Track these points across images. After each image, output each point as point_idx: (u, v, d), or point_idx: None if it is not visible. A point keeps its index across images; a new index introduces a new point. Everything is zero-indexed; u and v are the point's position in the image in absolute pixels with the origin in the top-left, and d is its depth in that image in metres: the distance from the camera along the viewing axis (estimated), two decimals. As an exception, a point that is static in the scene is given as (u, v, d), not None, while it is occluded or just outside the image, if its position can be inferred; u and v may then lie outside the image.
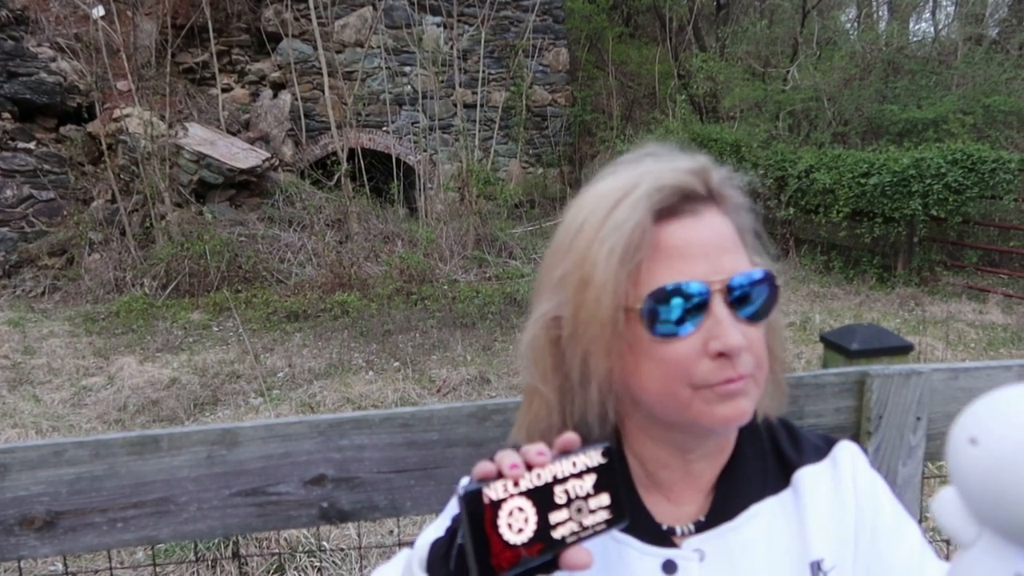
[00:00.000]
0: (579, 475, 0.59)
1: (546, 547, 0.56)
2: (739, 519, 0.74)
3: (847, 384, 1.14)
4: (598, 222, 0.69)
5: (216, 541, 2.94)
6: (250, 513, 1.06)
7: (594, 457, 0.60)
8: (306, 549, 2.94)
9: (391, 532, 3.22)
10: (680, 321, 0.67)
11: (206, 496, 1.05)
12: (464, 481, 0.77)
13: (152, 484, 1.03)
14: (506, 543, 0.55)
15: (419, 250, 9.57)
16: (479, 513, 0.54)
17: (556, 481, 0.58)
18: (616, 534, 0.73)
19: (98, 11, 9.97)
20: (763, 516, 0.75)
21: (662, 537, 0.74)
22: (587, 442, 0.62)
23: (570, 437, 0.61)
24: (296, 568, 2.87)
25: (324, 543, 3.04)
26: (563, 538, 0.57)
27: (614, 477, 0.61)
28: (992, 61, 12.88)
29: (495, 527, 0.55)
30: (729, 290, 0.67)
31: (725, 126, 12.40)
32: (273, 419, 1.06)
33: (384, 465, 1.08)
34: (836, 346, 1.25)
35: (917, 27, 17.77)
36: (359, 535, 3.13)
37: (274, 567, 2.89)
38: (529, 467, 0.58)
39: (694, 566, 0.72)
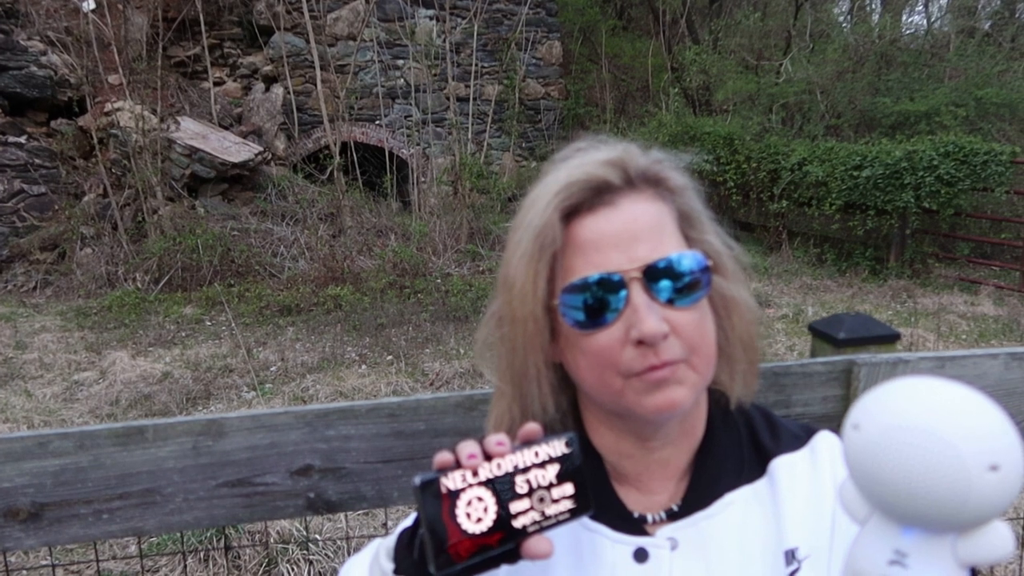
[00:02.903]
0: (542, 465, 0.59)
1: (506, 536, 0.56)
2: (713, 507, 0.74)
3: (834, 373, 1.14)
4: (520, 224, 0.71)
5: (208, 534, 2.94)
6: (237, 504, 1.06)
7: (557, 447, 0.60)
8: (298, 541, 2.94)
9: (383, 525, 3.22)
10: (598, 312, 0.67)
11: (192, 487, 1.05)
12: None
13: (137, 475, 1.03)
14: (465, 532, 0.55)
15: (412, 244, 9.56)
16: (436, 503, 0.54)
17: (517, 471, 0.58)
18: (587, 522, 0.73)
19: (88, 4, 9.90)
20: (738, 504, 0.74)
21: (634, 525, 0.74)
22: (551, 433, 0.62)
23: (531, 427, 0.61)
24: (288, 560, 2.87)
25: (316, 535, 3.04)
26: (524, 527, 0.57)
27: (578, 467, 0.61)
28: (984, 54, 12.88)
29: (453, 516, 0.55)
30: (647, 276, 0.67)
31: (718, 119, 12.38)
32: (259, 410, 1.06)
33: (371, 455, 1.07)
34: (823, 335, 1.25)
35: (910, 20, 17.78)
36: (348, 527, 3.13)
37: (266, 560, 2.89)
38: (489, 457, 0.58)
39: (665, 554, 0.72)
